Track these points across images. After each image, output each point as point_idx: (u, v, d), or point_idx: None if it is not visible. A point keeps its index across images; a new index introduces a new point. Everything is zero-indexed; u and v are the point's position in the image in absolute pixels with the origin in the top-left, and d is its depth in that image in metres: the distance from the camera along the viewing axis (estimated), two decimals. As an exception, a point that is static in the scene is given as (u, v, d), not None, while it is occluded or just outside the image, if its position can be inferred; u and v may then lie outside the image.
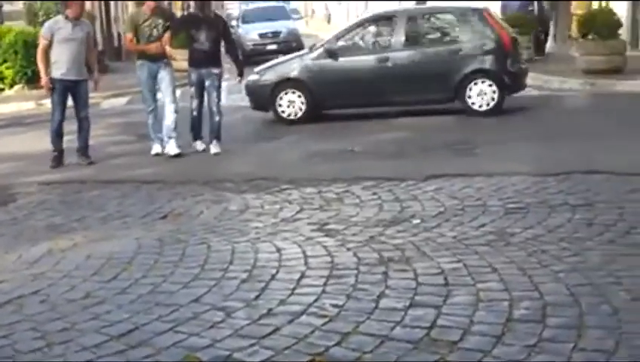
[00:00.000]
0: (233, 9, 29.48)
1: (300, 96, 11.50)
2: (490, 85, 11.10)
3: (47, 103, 14.09)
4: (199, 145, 9.53)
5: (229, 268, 4.84)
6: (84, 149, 9.29)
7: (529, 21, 19.87)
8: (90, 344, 3.78)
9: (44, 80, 9.06)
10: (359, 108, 11.78)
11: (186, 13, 8.89)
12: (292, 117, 11.47)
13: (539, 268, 4.50)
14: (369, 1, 40.18)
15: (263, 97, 11.65)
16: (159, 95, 9.55)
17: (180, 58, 10.29)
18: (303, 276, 4.60)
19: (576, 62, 16.28)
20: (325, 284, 4.43)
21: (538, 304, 3.95)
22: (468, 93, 11.12)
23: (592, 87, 14.59)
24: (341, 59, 11.54)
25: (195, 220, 6.15)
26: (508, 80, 11.24)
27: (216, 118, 9.44)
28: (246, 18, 27.60)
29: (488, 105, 11.11)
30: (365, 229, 5.55)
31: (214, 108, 9.42)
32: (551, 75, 16.38)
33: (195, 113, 9.53)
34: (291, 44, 26.10)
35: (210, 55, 9.35)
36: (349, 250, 5.07)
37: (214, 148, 9.34)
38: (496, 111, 11.06)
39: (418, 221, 5.70)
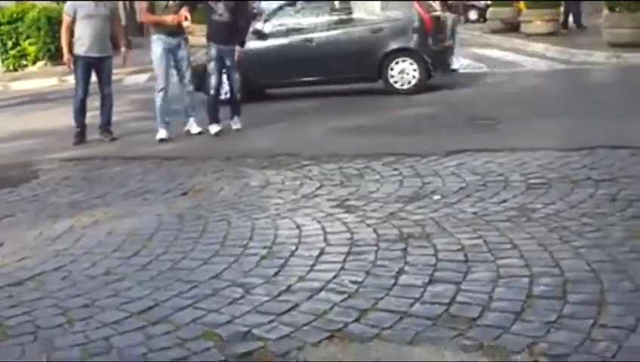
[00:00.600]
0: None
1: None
2: (411, 64, 11.28)
3: (70, 79, 14.17)
4: (213, 129, 9.06)
5: (249, 245, 4.84)
6: (106, 126, 9.32)
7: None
8: (110, 320, 3.80)
9: (66, 57, 9.10)
10: (290, 87, 11.92)
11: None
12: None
13: (560, 244, 4.46)
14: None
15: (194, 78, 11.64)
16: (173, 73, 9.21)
17: (200, 33, 10.13)
18: (322, 252, 4.59)
19: (602, 35, 16.07)
20: (344, 261, 4.42)
21: (559, 280, 3.91)
22: (390, 72, 11.32)
23: (618, 60, 14.40)
24: (270, 40, 11.60)
25: (216, 196, 6.16)
26: (429, 59, 11.34)
27: (238, 96, 9.27)
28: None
29: (410, 83, 11.34)
30: (385, 205, 5.53)
31: (235, 85, 9.23)
32: (577, 48, 16.21)
33: (212, 92, 9.12)
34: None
35: (230, 28, 8.93)
36: (368, 226, 5.05)
37: (235, 125, 9.26)
38: (418, 89, 11.23)
39: (439, 197, 5.67)
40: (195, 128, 9.14)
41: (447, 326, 3.49)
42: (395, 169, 6.61)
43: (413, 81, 11.31)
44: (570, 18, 21.65)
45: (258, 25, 10.93)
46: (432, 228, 4.90)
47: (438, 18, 11.90)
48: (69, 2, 9.30)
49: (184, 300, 4.00)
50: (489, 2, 25.25)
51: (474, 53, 17.72)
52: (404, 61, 11.31)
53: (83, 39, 8.95)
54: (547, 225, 4.81)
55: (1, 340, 3.67)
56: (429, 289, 3.92)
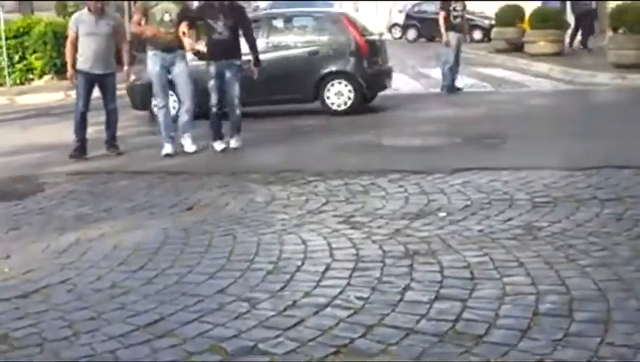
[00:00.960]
0: (261, 4, 29.69)
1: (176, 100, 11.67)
2: (346, 86, 11.65)
3: (73, 94, 14.24)
4: (218, 146, 8.98)
5: (255, 260, 4.84)
6: (112, 141, 9.32)
7: (559, 16, 19.77)
8: (116, 333, 3.80)
9: (69, 72, 9.10)
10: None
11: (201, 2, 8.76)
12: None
13: (566, 262, 4.46)
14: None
15: (141, 97, 11.84)
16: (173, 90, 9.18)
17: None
18: (328, 268, 4.60)
19: (607, 56, 16.12)
20: (350, 277, 4.42)
21: (565, 298, 3.91)
22: (326, 93, 11.67)
23: (623, 81, 14.44)
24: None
25: (221, 211, 6.17)
26: (363, 81, 11.69)
27: (237, 112, 9.06)
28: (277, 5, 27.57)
29: (345, 104, 11.65)
30: (391, 222, 5.54)
31: (235, 102, 9.02)
32: (581, 68, 16.25)
33: (214, 109, 8.98)
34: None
35: (230, 45, 8.89)
36: (374, 242, 5.06)
37: (235, 143, 9.09)
38: (353, 110, 11.55)
39: (444, 214, 5.68)
40: (189, 147, 8.95)
41: (453, 343, 3.49)
42: (401, 186, 6.63)
43: (349, 103, 11.67)
44: (579, 37, 21.73)
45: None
46: (438, 245, 4.90)
47: (373, 42, 12.31)
48: (73, 17, 9.31)
49: (190, 314, 4.00)
50: (493, 22, 25.32)
51: (478, 72, 17.77)
52: (339, 83, 11.69)
53: (85, 56, 8.95)
54: (553, 243, 4.82)
55: (8, 352, 3.67)
56: (435, 305, 3.92)
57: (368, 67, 11.82)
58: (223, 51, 8.86)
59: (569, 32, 21.45)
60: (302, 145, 9.25)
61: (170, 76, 9.01)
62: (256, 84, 9.54)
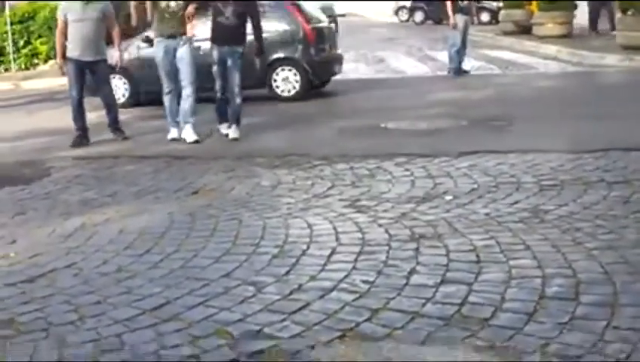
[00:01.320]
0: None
1: (125, 83, 12.17)
2: (293, 72, 11.95)
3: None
4: (224, 129, 8.96)
5: (260, 244, 4.84)
6: (115, 125, 9.26)
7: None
8: (122, 317, 3.80)
9: (59, 60, 9.05)
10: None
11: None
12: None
13: (572, 245, 4.44)
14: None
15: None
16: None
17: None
18: (333, 252, 4.59)
19: (615, 38, 16.02)
20: (356, 260, 4.41)
21: (571, 281, 3.90)
22: (274, 79, 11.99)
23: (631, 62, 14.35)
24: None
25: (227, 195, 6.16)
26: (310, 68, 11.96)
27: (237, 101, 8.80)
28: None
29: (292, 91, 11.96)
30: (397, 206, 5.52)
31: (235, 90, 8.78)
32: (589, 50, 16.16)
33: (219, 95, 8.92)
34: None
35: (235, 31, 8.73)
36: (380, 226, 5.04)
37: (233, 133, 8.74)
38: (300, 96, 11.80)
39: (450, 197, 5.66)
40: (190, 136, 8.69)
41: (459, 326, 3.47)
42: (407, 169, 6.60)
43: (296, 89, 11.95)
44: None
45: (148, 32, 10.48)
46: (444, 229, 4.88)
47: (320, 30, 12.49)
48: (61, 5, 9.13)
49: (196, 298, 4.00)
50: (501, 4, 25.19)
51: (485, 54, 17.69)
52: (286, 69, 11.98)
53: (74, 43, 8.80)
54: (560, 226, 4.79)
55: (14, 336, 3.68)
56: (440, 289, 3.91)
57: (315, 54, 12.10)
58: (227, 37, 8.71)
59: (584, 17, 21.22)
60: (307, 129, 9.23)
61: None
62: (204, 69, 9.32)
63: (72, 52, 8.84)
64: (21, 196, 6.60)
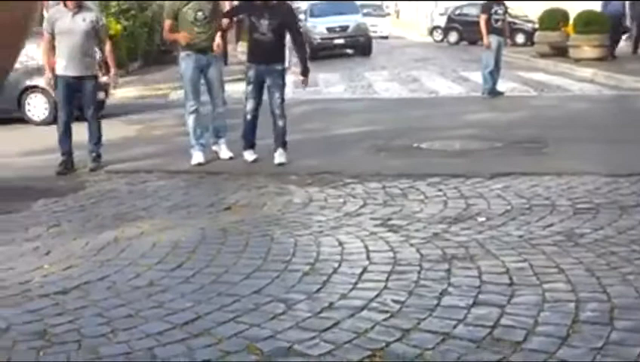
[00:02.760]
0: (301, 3, 30.05)
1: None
2: (42, 99, 12.71)
3: (117, 93, 14.40)
4: (249, 155, 8.29)
5: (292, 261, 4.84)
6: (97, 150, 8.44)
7: (603, 20, 19.48)
8: (153, 331, 3.82)
9: (46, 76, 8.46)
10: None
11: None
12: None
13: (607, 269, 4.39)
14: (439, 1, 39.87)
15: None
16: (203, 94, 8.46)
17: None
18: (365, 271, 4.58)
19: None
20: (387, 280, 4.39)
21: (606, 306, 3.85)
22: (26, 104, 12.87)
23: (668, 86, 14.19)
24: None
25: (259, 212, 6.18)
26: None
27: (280, 123, 8.17)
28: (314, 12, 27.70)
29: (43, 115, 12.74)
30: (429, 225, 5.50)
31: (277, 111, 8.13)
32: (626, 74, 16.01)
33: (249, 117, 8.21)
34: (359, 39, 26.16)
35: (272, 47, 8.06)
36: (412, 245, 5.02)
37: (279, 158, 8.09)
38: (51, 121, 11.50)
39: (483, 219, 5.62)
40: (225, 152, 8.45)
41: (490, 349, 3.44)
42: (440, 190, 6.58)
43: (46, 114, 12.64)
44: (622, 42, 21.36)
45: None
46: (477, 250, 4.85)
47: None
48: (47, 15, 8.34)
49: (226, 314, 4.01)
50: (537, 26, 25.07)
51: (520, 76, 17.60)
52: (37, 96, 12.75)
53: (60, 57, 8.12)
54: (595, 250, 4.74)
55: (47, 347, 3.71)
56: (472, 311, 3.88)
57: None
58: (263, 54, 8.08)
59: (623, 36, 21.00)
60: (340, 148, 9.23)
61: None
62: None
63: (58, 67, 8.18)
64: (56, 208, 6.68)
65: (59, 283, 4.63)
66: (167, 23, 8.46)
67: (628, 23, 21.63)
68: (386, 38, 38.55)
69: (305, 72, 8.38)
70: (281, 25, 8.08)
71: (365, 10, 35.28)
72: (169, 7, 8.46)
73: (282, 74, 8.23)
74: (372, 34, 28.99)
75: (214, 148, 8.62)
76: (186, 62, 8.26)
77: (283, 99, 8.22)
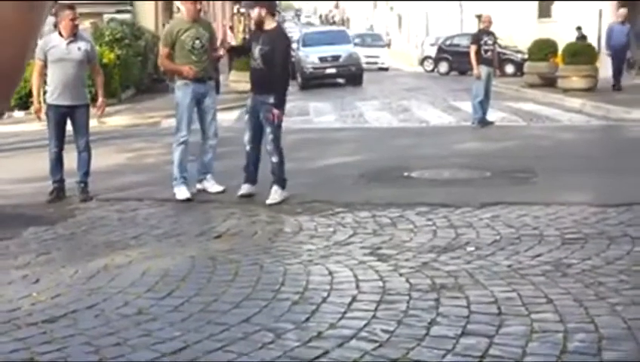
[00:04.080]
0: (294, 32, 30.24)
1: None
2: None
3: (109, 121, 14.43)
4: (245, 189, 7.83)
5: (281, 290, 4.85)
6: (84, 183, 8.26)
7: (591, 51, 19.68)
8: (141, 360, 3.81)
9: (35, 105, 8.31)
10: None
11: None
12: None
13: (595, 300, 4.41)
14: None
15: None
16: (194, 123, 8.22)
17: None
18: (354, 300, 4.58)
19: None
20: (376, 309, 4.40)
21: (594, 337, 3.86)
22: None
23: (657, 117, 14.30)
24: None
25: (249, 240, 6.19)
26: None
27: (273, 159, 7.64)
28: (306, 41, 27.84)
29: None
30: (418, 255, 5.52)
31: (268, 147, 7.65)
32: (615, 104, 16.14)
33: (247, 148, 7.83)
34: (350, 68, 26.29)
35: (262, 76, 7.60)
36: (401, 275, 5.04)
37: (272, 196, 7.56)
38: None
39: (472, 248, 5.64)
40: (214, 187, 8.18)
41: (479, 379, 3.45)
42: (429, 219, 6.60)
43: None
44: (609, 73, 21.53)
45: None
46: (465, 280, 4.87)
47: None
48: (40, 43, 8.00)
49: (215, 343, 4.00)
50: (526, 56, 25.28)
51: (509, 106, 17.71)
52: None
53: (54, 85, 8.00)
54: (583, 280, 4.76)
55: (33, 376, 3.70)
56: (461, 341, 3.89)
57: None
58: (254, 83, 7.82)
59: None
60: (330, 177, 9.25)
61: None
62: None
63: (50, 96, 8.05)
64: (46, 236, 6.67)
65: (47, 311, 4.62)
66: (165, 51, 8.15)
67: (629, 54, 21.78)
68: (386, 69, 36.45)
69: (277, 105, 7.53)
70: (272, 51, 7.58)
71: (360, 40, 35.12)
72: (167, 34, 8.24)
73: (270, 109, 7.52)
74: (371, 65, 28.50)
75: (198, 186, 8.29)
76: (184, 92, 8.02)
77: (276, 136, 7.63)
